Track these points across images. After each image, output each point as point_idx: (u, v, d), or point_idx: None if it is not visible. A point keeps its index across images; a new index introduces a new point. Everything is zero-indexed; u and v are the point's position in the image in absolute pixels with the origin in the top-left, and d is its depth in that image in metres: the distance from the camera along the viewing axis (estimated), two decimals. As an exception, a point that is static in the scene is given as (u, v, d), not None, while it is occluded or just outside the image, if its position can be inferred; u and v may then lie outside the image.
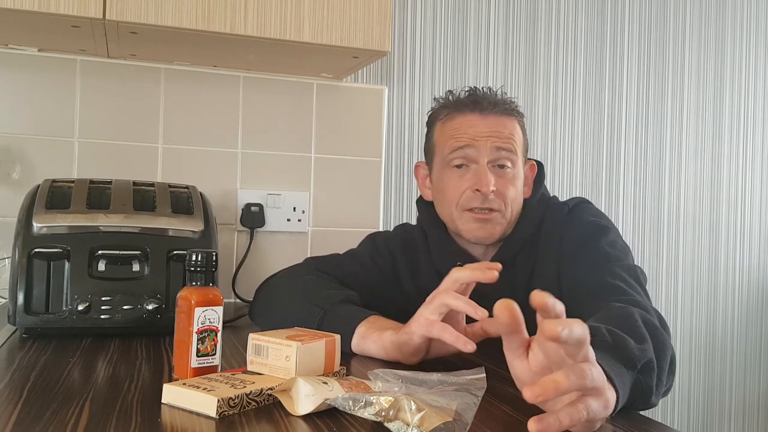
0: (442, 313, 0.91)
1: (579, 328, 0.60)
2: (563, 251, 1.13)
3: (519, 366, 0.69)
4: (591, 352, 0.64)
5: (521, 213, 1.19)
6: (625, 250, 1.11)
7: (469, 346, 0.85)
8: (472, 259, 1.19)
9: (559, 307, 0.62)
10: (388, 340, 0.97)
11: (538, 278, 1.15)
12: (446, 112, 1.18)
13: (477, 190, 1.12)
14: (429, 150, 1.22)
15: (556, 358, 0.65)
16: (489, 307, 0.94)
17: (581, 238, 1.12)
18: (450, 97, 1.19)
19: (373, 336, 0.99)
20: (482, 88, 1.19)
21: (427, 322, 0.91)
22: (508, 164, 1.14)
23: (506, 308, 0.64)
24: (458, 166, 1.14)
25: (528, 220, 1.18)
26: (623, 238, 1.15)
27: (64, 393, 0.76)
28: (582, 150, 2.02)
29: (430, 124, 1.22)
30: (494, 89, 1.19)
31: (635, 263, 1.10)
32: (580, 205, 1.18)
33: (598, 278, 1.03)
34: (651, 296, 1.06)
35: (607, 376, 0.71)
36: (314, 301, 1.08)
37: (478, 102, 1.15)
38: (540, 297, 0.62)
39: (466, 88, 1.19)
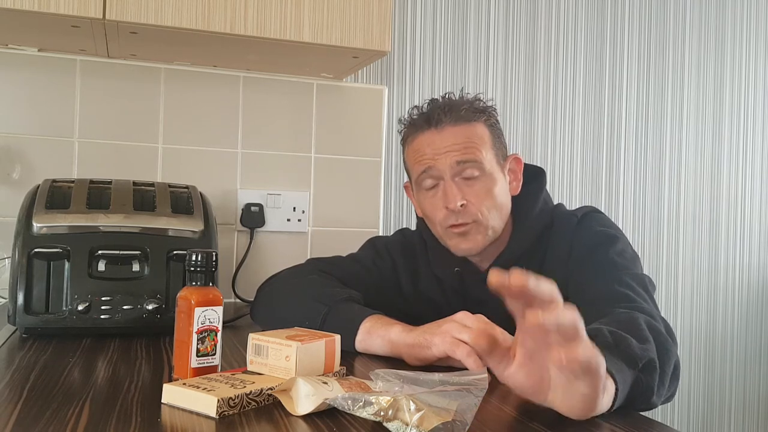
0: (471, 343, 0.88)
1: (569, 315, 0.59)
2: (571, 261, 1.12)
3: (507, 372, 0.68)
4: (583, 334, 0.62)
5: (519, 224, 1.18)
6: (633, 260, 1.10)
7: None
8: (469, 266, 1.19)
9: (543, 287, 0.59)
10: (395, 335, 0.97)
11: None
12: (408, 134, 1.19)
13: (447, 207, 1.12)
14: (407, 171, 1.23)
15: (543, 343, 0.63)
16: (487, 313, 0.94)
17: (589, 248, 1.11)
18: (413, 114, 1.19)
19: (379, 331, 0.99)
20: (444, 95, 1.18)
21: (453, 342, 0.89)
22: (476, 172, 1.12)
23: (481, 337, 0.66)
24: (429, 188, 1.15)
25: (527, 230, 1.17)
26: (633, 247, 1.14)
27: (64, 393, 0.76)
28: (582, 150, 2.02)
29: (402, 146, 1.23)
30: (454, 94, 1.18)
31: (643, 272, 1.10)
32: (589, 214, 1.17)
33: (605, 286, 1.03)
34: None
35: (607, 370, 0.71)
36: (318, 298, 1.08)
37: (431, 117, 1.14)
38: (498, 278, 0.59)
39: (427, 101, 1.19)
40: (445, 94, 1.19)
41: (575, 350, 0.60)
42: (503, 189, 1.16)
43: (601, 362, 0.64)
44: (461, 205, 1.11)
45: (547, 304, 0.59)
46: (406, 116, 1.21)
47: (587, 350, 0.60)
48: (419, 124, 1.16)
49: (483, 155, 1.13)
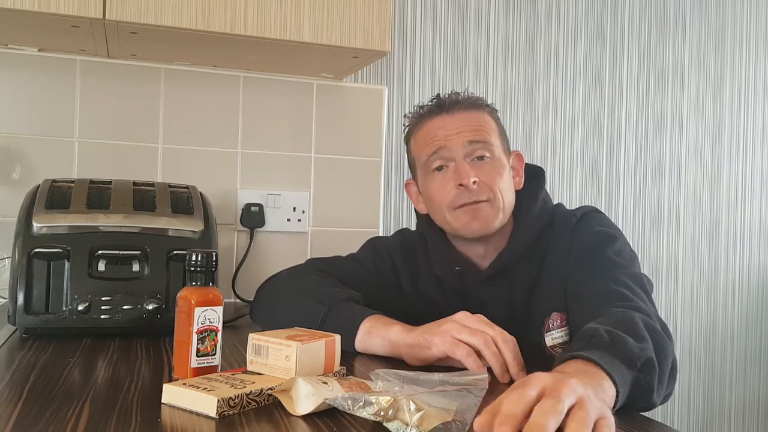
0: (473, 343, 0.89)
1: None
2: (570, 260, 1.12)
3: None
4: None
5: (519, 223, 1.18)
6: (631, 259, 1.10)
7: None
8: (470, 265, 1.19)
9: None
10: (395, 335, 0.97)
11: (542, 290, 1.14)
12: (415, 123, 1.21)
13: (460, 184, 1.12)
14: (412, 164, 1.24)
15: None
16: (487, 313, 0.94)
17: (588, 247, 1.11)
18: (419, 109, 1.21)
19: (379, 331, 0.99)
20: (451, 93, 1.20)
21: (453, 342, 0.89)
22: (486, 154, 1.14)
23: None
24: (438, 169, 1.15)
25: (527, 229, 1.17)
26: (631, 247, 1.14)
27: (64, 393, 0.76)
28: (582, 150, 2.02)
29: (407, 140, 1.24)
30: (461, 91, 1.20)
31: (642, 272, 1.10)
32: (588, 214, 1.17)
33: (602, 285, 1.03)
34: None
35: (606, 372, 0.71)
36: (318, 298, 1.08)
37: (442, 103, 1.17)
38: None
39: (433, 97, 1.21)
40: (453, 91, 1.20)
41: None
42: (510, 178, 1.17)
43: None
44: (474, 182, 1.11)
45: None
46: (415, 110, 1.22)
47: None
48: (429, 112, 1.18)
49: (492, 139, 1.15)
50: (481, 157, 1.13)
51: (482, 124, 1.15)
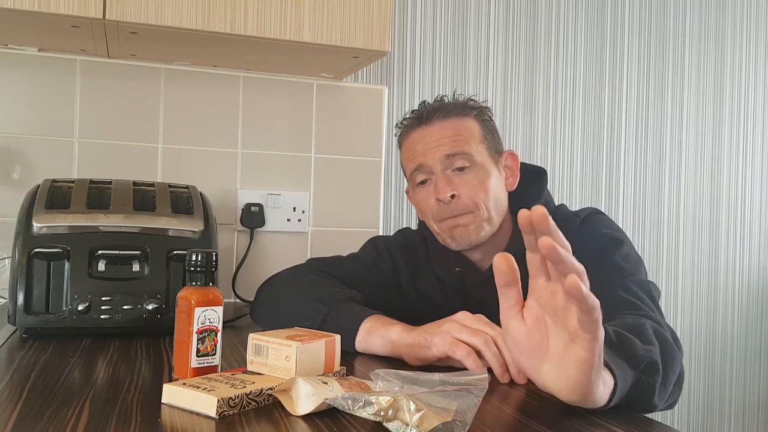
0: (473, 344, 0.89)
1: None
2: None
3: (515, 326, 0.70)
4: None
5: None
6: (638, 264, 1.09)
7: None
8: (470, 265, 1.19)
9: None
10: (395, 335, 0.97)
11: None
12: (401, 134, 1.22)
13: (438, 199, 1.13)
14: (404, 174, 1.25)
15: (550, 308, 0.66)
16: (487, 313, 0.94)
17: (594, 251, 1.10)
18: (403, 120, 1.22)
19: (379, 331, 0.99)
20: (436, 97, 1.20)
21: (453, 342, 0.89)
22: (466, 164, 1.13)
23: (505, 260, 0.70)
24: (422, 183, 1.17)
25: None
26: (636, 250, 1.13)
27: (64, 393, 0.76)
28: (582, 150, 2.02)
29: (399, 149, 1.25)
30: (447, 96, 1.20)
31: (648, 277, 1.09)
32: (592, 216, 1.17)
33: (611, 292, 1.02)
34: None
35: (607, 366, 0.71)
36: (318, 298, 1.08)
37: (420, 115, 1.17)
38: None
39: (420, 104, 1.21)
40: (438, 96, 1.20)
41: (587, 302, 0.63)
42: (497, 183, 1.16)
43: (600, 316, 0.65)
44: (451, 196, 1.11)
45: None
46: (401, 120, 1.23)
47: (593, 299, 0.64)
48: (411, 124, 1.19)
49: (473, 147, 1.14)
50: (461, 168, 1.13)
51: (461, 132, 1.14)
